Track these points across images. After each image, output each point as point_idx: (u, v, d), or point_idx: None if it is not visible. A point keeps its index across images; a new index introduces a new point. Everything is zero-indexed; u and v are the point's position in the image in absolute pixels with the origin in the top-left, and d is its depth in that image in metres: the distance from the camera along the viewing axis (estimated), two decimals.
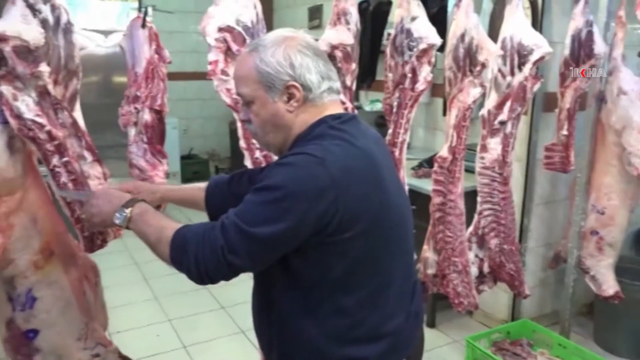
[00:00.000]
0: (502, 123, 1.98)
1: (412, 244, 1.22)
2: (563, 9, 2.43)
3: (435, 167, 1.97)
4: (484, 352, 2.26)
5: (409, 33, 1.81)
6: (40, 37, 1.22)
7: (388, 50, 1.89)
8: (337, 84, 1.15)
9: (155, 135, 1.53)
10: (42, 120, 1.23)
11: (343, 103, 1.62)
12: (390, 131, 1.89)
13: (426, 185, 2.40)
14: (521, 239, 2.60)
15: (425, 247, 2.07)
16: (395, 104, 1.88)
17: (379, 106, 3.61)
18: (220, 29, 1.54)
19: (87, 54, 1.44)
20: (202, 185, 1.42)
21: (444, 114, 2.84)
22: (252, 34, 1.58)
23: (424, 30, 1.80)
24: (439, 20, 2.69)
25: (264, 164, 1.64)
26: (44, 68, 1.23)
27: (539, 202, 2.68)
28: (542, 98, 2.51)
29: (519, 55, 1.93)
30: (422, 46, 1.79)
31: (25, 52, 1.19)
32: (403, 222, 1.16)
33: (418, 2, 1.82)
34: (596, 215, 2.29)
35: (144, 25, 1.50)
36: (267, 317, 1.17)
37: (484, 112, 2.02)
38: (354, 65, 1.76)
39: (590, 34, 2.09)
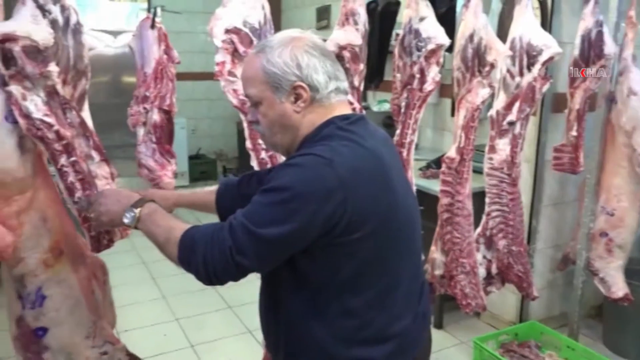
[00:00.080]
0: (511, 124, 1.98)
1: (420, 244, 1.22)
2: (573, 9, 2.41)
3: (443, 168, 1.97)
4: (491, 354, 2.25)
5: (417, 33, 1.81)
6: (50, 38, 1.23)
7: (396, 51, 1.89)
8: (345, 84, 1.15)
9: (164, 135, 1.54)
10: (50, 119, 1.24)
11: (351, 103, 1.62)
12: (398, 132, 1.89)
13: (434, 186, 2.39)
14: (529, 240, 2.59)
15: (432, 248, 2.07)
16: (403, 104, 1.88)
17: (386, 106, 3.61)
18: (228, 31, 1.55)
19: (96, 54, 1.45)
20: (213, 188, 1.44)
21: (452, 114, 2.83)
22: (260, 35, 1.58)
23: (433, 31, 1.79)
24: (448, 20, 2.68)
25: (269, 165, 1.64)
26: (52, 68, 1.24)
27: (548, 203, 2.66)
28: (551, 99, 2.49)
29: (528, 56, 1.92)
30: (430, 46, 1.79)
31: (35, 52, 1.20)
32: (411, 222, 1.16)
33: (426, 3, 1.82)
34: (605, 217, 2.28)
35: (153, 26, 1.51)
36: (274, 318, 1.17)
37: (492, 112, 2.02)
38: (362, 66, 1.75)
39: (600, 34, 2.08)
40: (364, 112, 1.73)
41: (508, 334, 2.44)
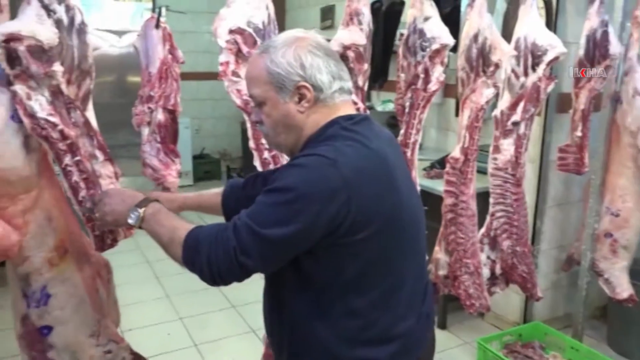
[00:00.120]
0: (515, 124, 1.97)
1: (424, 244, 1.22)
2: (578, 9, 2.40)
3: (448, 168, 1.96)
4: (495, 354, 2.24)
5: (421, 33, 1.80)
6: (54, 37, 1.23)
7: (400, 51, 1.89)
8: (349, 84, 1.14)
9: (169, 134, 1.54)
10: (54, 119, 1.25)
11: (355, 103, 1.62)
12: (402, 132, 1.89)
13: (438, 186, 2.38)
14: (534, 240, 2.58)
15: (436, 248, 2.06)
16: (407, 104, 1.88)
17: (390, 106, 3.60)
18: (231, 31, 1.55)
19: (101, 54, 1.45)
20: (219, 190, 1.44)
21: (457, 114, 2.82)
22: (264, 35, 1.58)
23: (437, 31, 1.79)
24: (452, 20, 2.67)
25: (272, 165, 1.64)
26: (57, 68, 1.24)
27: (552, 204, 2.66)
28: (556, 99, 2.49)
29: (532, 56, 1.91)
30: (434, 46, 1.78)
31: (39, 51, 1.20)
32: (415, 222, 1.16)
33: (431, 2, 1.82)
34: (610, 218, 2.27)
35: (157, 26, 1.51)
36: (278, 318, 1.17)
37: (496, 112, 2.01)
38: (366, 66, 1.75)
39: (605, 34, 2.07)
40: (368, 112, 1.73)
41: (512, 335, 2.43)
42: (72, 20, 1.31)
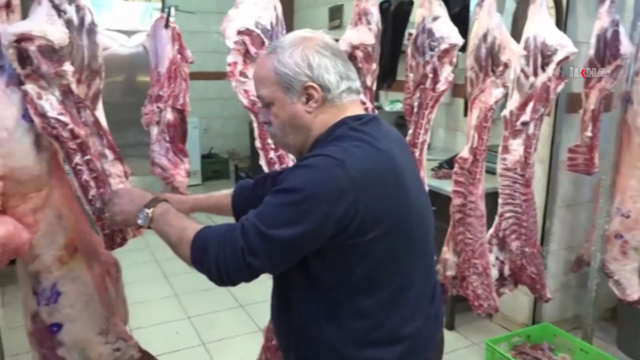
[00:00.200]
0: (525, 124, 1.96)
1: (432, 245, 1.21)
2: (588, 9, 2.38)
3: (456, 168, 1.96)
4: (503, 356, 2.23)
5: (430, 33, 1.80)
6: (65, 37, 1.24)
7: (409, 50, 1.88)
8: (357, 84, 1.14)
9: (177, 134, 1.54)
10: (65, 118, 1.25)
11: (363, 103, 1.62)
12: (410, 132, 1.88)
13: (446, 186, 2.38)
14: (543, 241, 2.57)
15: (444, 248, 2.06)
16: (415, 104, 1.87)
17: (399, 106, 3.60)
18: (240, 32, 1.56)
19: (111, 53, 1.46)
20: (229, 191, 1.44)
21: (465, 114, 2.81)
22: (271, 36, 1.59)
23: (446, 30, 1.78)
24: (461, 20, 2.66)
25: (277, 164, 1.65)
26: (67, 67, 1.25)
27: (562, 204, 2.64)
28: (565, 99, 2.47)
29: (542, 56, 1.90)
30: (443, 46, 1.78)
31: (50, 51, 1.21)
32: (424, 222, 1.15)
33: (440, 2, 1.81)
34: (621, 219, 2.25)
35: (167, 26, 1.52)
36: (285, 319, 1.17)
37: (506, 112, 2.00)
38: (374, 66, 1.75)
39: (616, 33, 2.05)
40: (376, 112, 1.73)
41: (520, 336, 2.42)
42: (82, 20, 1.32)
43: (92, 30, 1.34)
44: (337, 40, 1.25)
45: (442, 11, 1.81)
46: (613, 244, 2.28)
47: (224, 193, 1.45)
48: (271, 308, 1.24)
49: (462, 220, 1.98)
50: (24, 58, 1.19)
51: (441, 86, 1.81)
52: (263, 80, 1.11)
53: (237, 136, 5.85)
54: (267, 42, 1.57)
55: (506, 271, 2.13)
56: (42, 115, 1.22)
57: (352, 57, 1.67)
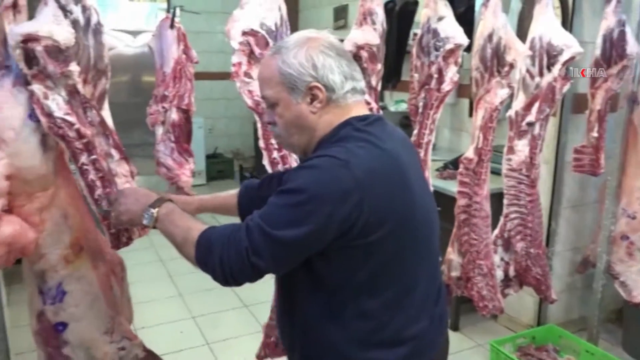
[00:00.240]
0: (530, 124, 1.95)
1: (437, 246, 1.21)
2: (594, 8, 2.37)
3: (461, 169, 1.95)
4: (508, 357, 2.22)
5: (435, 33, 1.79)
6: (71, 38, 1.25)
7: (414, 51, 1.88)
8: (361, 84, 1.14)
9: (182, 134, 1.55)
10: (71, 118, 1.26)
11: (368, 103, 1.62)
12: (415, 132, 1.88)
13: (451, 187, 2.37)
14: (548, 242, 2.56)
15: (449, 249, 2.05)
16: (420, 104, 1.87)
17: (403, 107, 3.59)
18: (244, 33, 1.56)
19: (116, 53, 1.47)
20: (234, 192, 1.45)
21: (470, 114, 2.80)
22: (276, 36, 1.59)
23: (451, 30, 1.78)
24: (467, 20, 2.66)
25: (280, 164, 1.65)
26: (73, 67, 1.25)
27: (567, 205, 2.63)
28: (571, 99, 2.46)
29: (548, 56, 1.89)
30: (448, 46, 1.77)
31: (56, 51, 1.22)
32: (429, 223, 1.15)
33: (445, 2, 1.81)
34: (627, 220, 2.24)
35: (172, 26, 1.52)
36: (290, 319, 1.17)
37: (511, 113, 1.99)
38: (379, 66, 1.75)
39: (622, 33, 2.04)
40: (381, 112, 1.73)
41: (525, 337, 2.41)
42: (88, 20, 1.32)
43: (98, 31, 1.35)
44: (342, 41, 1.25)
45: (447, 11, 1.80)
46: (619, 245, 2.27)
47: (230, 193, 1.46)
48: (276, 308, 1.24)
49: (467, 220, 1.97)
50: (30, 58, 1.19)
51: (446, 86, 1.81)
52: (267, 81, 1.11)
53: (242, 136, 5.85)
54: (271, 42, 1.57)
55: (511, 272, 2.12)
56: (49, 115, 1.23)
57: (357, 57, 1.67)
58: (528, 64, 1.93)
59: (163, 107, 1.53)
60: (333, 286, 1.08)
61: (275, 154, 1.66)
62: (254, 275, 1.02)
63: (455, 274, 2.05)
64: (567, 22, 2.37)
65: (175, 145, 1.54)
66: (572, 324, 2.69)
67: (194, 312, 2.97)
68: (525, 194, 2.02)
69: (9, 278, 2.57)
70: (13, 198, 1.25)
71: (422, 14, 1.86)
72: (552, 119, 2.26)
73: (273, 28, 1.59)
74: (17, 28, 1.19)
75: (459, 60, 1.82)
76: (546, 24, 1.91)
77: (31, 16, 1.27)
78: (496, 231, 2.08)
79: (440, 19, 1.79)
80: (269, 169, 1.65)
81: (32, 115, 1.24)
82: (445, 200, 2.24)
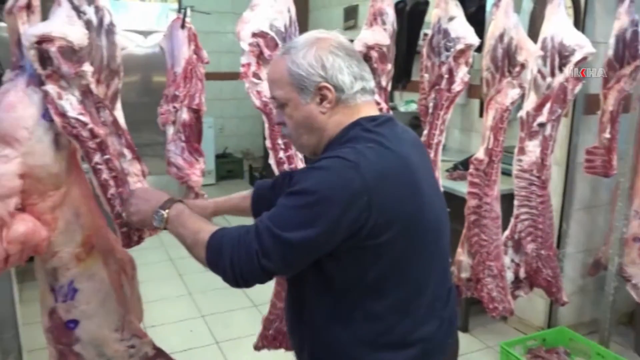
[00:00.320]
0: (542, 125, 1.94)
1: (447, 249, 1.20)
2: (607, 8, 2.35)
3: (471, 170, 1.94)
4: (518, 359, 2.21)
5: (446, 33, 1.79)
6: (84, 38, 1.26)
7: (424, 51, 1.87)
8: (371, 84, 1.14)
9: (193, 133, 1.55)
10: (84, 118, 1.27)
11: (378, 104, 1.62)
12: (425, 132, 1.88)
13: (461, 188, 2.36)
14: (559, 244, 2.54)
15: (459, 250, 2.04)
16: (431, 105, 1.86)
17: (413, 107, 3.58)
18: (254, 34, 1.57)
19: (127, 54, 1.47)
20: (247, 193, 1.46)
21: (481, 115, 2.79)
22: (285, 38, 1.60)
23: (462, 31, 1.77)
24: (477, 20, 2.64)
25: (286, 164, 1.66)
26: (87, 68, 1.26)
27: (579, 207, 2.61)
28: (583, 100, 2.44)
29: (560, 56, 1.88)
30: (459, 46, 1.77)
31: (70, 52, 1.22)
32: (438, 224, 1.14)
33: (456, 2, 1.80)
34: (639, 222, 2.21)
35: (183, 26, 1.53)
36: (298, 319, 1.18)
37: (522, 113, 1.98)
38: (389, 66, 1.75)
39: (635, 33, 2.02)
40: (391, 112, 1.72)
41: (536, 340, 2.40)
42: (101, 21, 1.33)
43: (110, 31, 1.36)
44: (352, 41, 1.25)
45: (458, 11, 1.80)
46: (631, 247, 2.25)
47: (243, 195, 1.47)
48: (285, 307, 1.24)
49: (477, 222, 1.96)
50: (44, 59, 1.20)
51: (457, 87, 1.80)
52: (277, 81, 1.11)
53: (251, 136, 5.87)
54: (280, 44, 1.57)
55: (522, 274, 2.11)
56: (63, 115, 1.24)
57: (367, 58, 1.66)
58: (540, 64, 1.92)
59: (174, 107, 1.53)
60: (342, 287, 1.08)
61: (281, 154, 1.67)
62: (264, 277, 1.03)
63: (465, 275, 2.04)
64: (579, 22, 2.36)
65: (186, 145, 1.55)
66: (583, 327, 2.67)
67: (203, 311, 2.98)
68: (536, 195, 2.00)
69: (21, 276, 2.60)
70: (26, 196, 1.26)
71: (432, 14, 1.85)
72: (564, 120, 2.24)
73: (282, 29, 1.60)
74: (32, 29, 1.20)
75: (470, 60, 1.81)
76: (558, 23, 1.90)
77: (44, 17, 1.28)
78: (507, 232, 2.06)
79: (451, 19, 1.79)
80: (275, 169, 1.66)
81: (45, 115, 1.25)
82: (455, 201, 2.23)
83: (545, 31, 1.92)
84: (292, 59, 1.08)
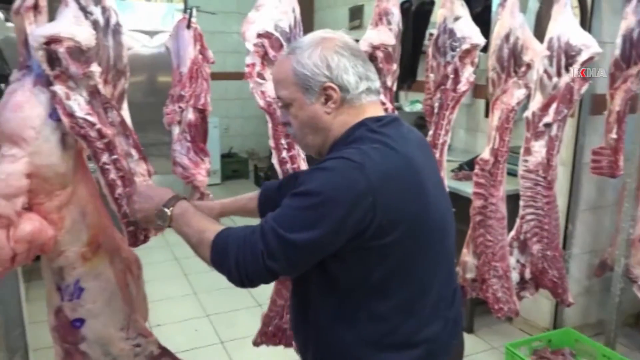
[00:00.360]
0: (547, 125, 1.93)
1: (453, 250, 1.20)
2: (613, 8, 2.34)
3: (477, 170, 1.94)
4: None
5: (451, 33, 1.78)
6: (92, 39, 1.26)
7: (430, 51, 1.87)
8: (376, 84, 1.14)
9: (198, 133, 1.56)
10: (92, 118, 1.28)
11: (383, 104, 1.62)
12: (430, 132, 1.87)
13: (466, 188, 2.36)
14: (565, 245, 2.53)
15: (464, 250, 2.04)
16: (436, 105, 1.86)
17: (418, 107, 3.58)
18: (260, 35, 1.57)
19: (133, 54, 1.48)
20: (254, 194, 1.46)
21: (486, 115, 2.79)
22: (289, 38, 1.60)
23: (468, 30, 1.77)
24: (483, 20, 2.64)
25: (289, 164, 1.66)
26: (95, 68, 1.27)
27: (585, 207, 2.60)
28: (590, 100, 2.43)
29: (566, 56, 1.87)
30: (465, 46, 1.76)
31: (78, 52, 1.23)
32: (444, 225, 1.14)
33: (462, 2, 1.80)
34: None
35: (189, 26, 1.53)
36: (303, 318, 1.18)
37: (528, 114, 1.97)
38: (395, 66, 1.74)
39: None
40: (396, 112, 1.72)
41: (541, 341, 2.39)
42: (107, 21, 1.34)
43: (117, 31, 1.37)
44: (357, 41, 1.25)
45: (463, 11, 1.79)
46: (637, 248, 2.24)
47: (250, 196, 1.47)
48: (290, 307, 1.24)
49: (483, 222, 1.96)
50: (53, 59, 1.21)
51: (462, 87, 1.80)
52: (282, 81, 1.11)
53: (257, 136, 5.88)
54: (285, 44, 1.58)
55: (527, 274, 2.10)
56: (71, 115, 1.25)
57: (372, 58, 1.66)
58: (546, 64, 1.91)
59: (179, 107, 1.54)
60: (346, 288, 1.08)
61: (284, 154, 1.68)
62: (269, 277, 1.03)
63: (470, 275, 2.04)
64: (586, 21, 2.35)
65: (192, 145, 1.55)
66: (589, 328, 2.65)
67: (208, 310, 2.99)
68: (542, 196, 2.00)
69: (28, 275, 2.62)
70: (33, 196, 1.27)
71: (438, 14, 1.85)
72: (570, 120, 2.23)
73: (287, 30, 1.60)
74: (40, 30, 1.20)
75: (476, 60, 1.80)
76: (564, 23, 1.89)
77: (51, 17, 1.29)
78: (512, 233, 2.06)
79: (456, 18, 1.78)
80: (277, 168, 1.67)
81: (52, 115, 1.25)
82: (460, 202, 2.22)
83: (552, 31, 1.91)
84: (298, 59, 1.08)
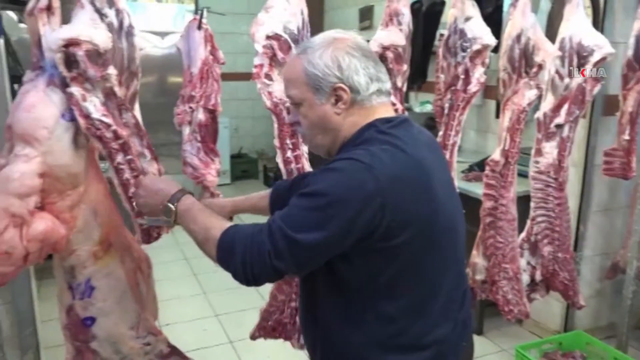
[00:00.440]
0: (559, 126, 1.92)
1: (463, 251, 1.19)
2: (626, 8, 2.32)
3: (487, 171, 1.93)
4: None
5: (462, 33, 1.78)
6: (109, 41, 1.27)
7: (440, 51, 1.86)
8: (387, 85, 1.13)
9: (209, 134, 1.57)
10: (108, 120, 1.29)
11: (393, 104, 1.62)
12: (441, 133, 1.87)
13: (476, 189, 2.35)
14: (576, 247, 2.51)
15: (474, 252, 2.03)
16: (446, 105, 1.85)
17: (428, 107, 3.57)
18: (268, 37, 1.58)
19: (144, 54, 1.49)
20: (266, 193, 1.46)
21: (497, 116, 2.77)
22: (297, 40, 1.61)
23: (478, 31, 1.76)
24: (494, 20, 2.62)
25: (294, 164, 1.67)
26: (112, 71, 1.28)
27: (597, 209, 2.57)
28: (602, 101, 2.41)
29: (578, 56, 1.86)
30: (476, 47, 1.76)
31: (96, 55, 1.24)
32: (453, 227, 1.13)
33: (472, 2, 1.79)
34: None
35: (200, 27, 1.54)
36: (312, 319, 1.18)
37: (539, 115, 1.96)
38: (405, 67, 1.74)
39: None
40: (406, 113, 1.72)
41: (552, 343, 2.37)
42: (121, 23, 1.35)
43: (130, 33, 1.38)
44: (367, 41, 1.25)
45: (474, 11, 1.78)
46: None
47: (261, 195, 1.47)
48: (299, 306, 1.24)
49: (493, 223, 1.95)
50: (70, 62, 1.22)
51: (473, 87, 1.79)
52: (292, 81, 1.11)
53: (266, 136, 5.88)
54: (293, 46, 1.59)
55: (538, 276, 2.08)
56: (87, 116, 1.26)
57: (382, 58, 1.66)
58: (557, 64, 1.90)
59: (190, 107, 1.55)
60: (354, 289, 1.07)
61: (289, 153, 1.69)
62: (276, 276, 1.03)
63: (480, 277, 2.02)
64: (598, 22, 2.33)
65: (202, 145, 1.56)
66: (600, 331, 2.63)
67: (217, 310, 3.00)
68: (553, 197, 1.98)
69: (39, 273, 2.64)
70: (45, 195, 1.28)
71: (449, 15, 1.84)
72: (582, 121, 2.21)
73: (295, 32, 1.61)
74: (58, 32, 1.21)
75: (486, 61, 1.80)
76: (577, 24, 1.87)
77: (63, 19, 1.29)
78: (523, 234, 2.04)
79: (467, 19, 1.78)
80: (281, 167, 1.68)
81: (64, 115, 1.27)
82: (470, 203, 2.21)
83: (564, 31, 1.90)
84: (309, 59, 1.08)
